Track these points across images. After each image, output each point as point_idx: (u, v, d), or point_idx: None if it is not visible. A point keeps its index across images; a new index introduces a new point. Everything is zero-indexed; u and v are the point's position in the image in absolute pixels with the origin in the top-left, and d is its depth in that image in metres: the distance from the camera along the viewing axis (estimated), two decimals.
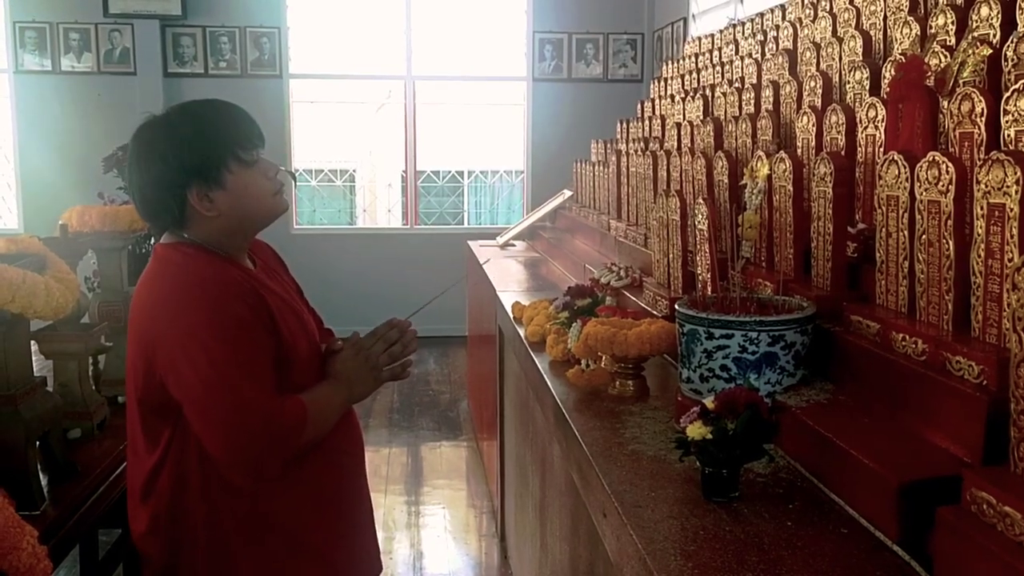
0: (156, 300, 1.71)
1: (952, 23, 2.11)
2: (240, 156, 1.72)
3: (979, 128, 1.65)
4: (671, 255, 2.60)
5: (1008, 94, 1.59)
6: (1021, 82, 1.59)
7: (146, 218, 1.79)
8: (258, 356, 1.67)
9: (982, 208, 1.45)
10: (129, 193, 1.79)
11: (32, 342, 2.18)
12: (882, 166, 1.75)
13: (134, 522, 1.80)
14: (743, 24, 4.22)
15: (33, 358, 2.14)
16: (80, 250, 2.69)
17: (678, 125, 3.59)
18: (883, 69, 2.25)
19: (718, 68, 3.91)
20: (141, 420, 1.74)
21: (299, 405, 1.69)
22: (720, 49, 4.25)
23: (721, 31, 4.54)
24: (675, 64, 4.91)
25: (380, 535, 2.09)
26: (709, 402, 1.54)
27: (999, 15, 1.93)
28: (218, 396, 1.62)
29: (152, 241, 3.38)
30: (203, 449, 1.68)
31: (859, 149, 2.10)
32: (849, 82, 2.43)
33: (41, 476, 2.06)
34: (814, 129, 2.32)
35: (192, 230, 1.74)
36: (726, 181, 2.57)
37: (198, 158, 1.68)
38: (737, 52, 3.94)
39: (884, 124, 2.01)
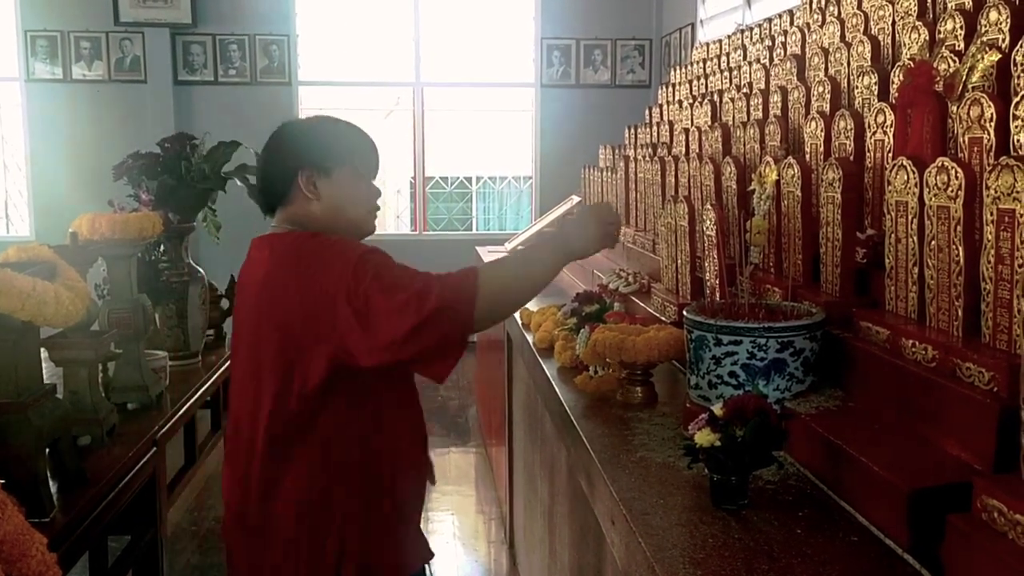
0: (292, 276, 1.75)
1: (961, 28, 2.10)
2: (356, 166, 1.87)
3: (988, 133, 1.64)
4: (679, 261, 2.59)
5: (1017, 99, 1.59)
6: None
7: (259, 192, 1.91)
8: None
9: (992, 213, 1.45)
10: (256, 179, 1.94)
11: (42, 349, 2.18)
12: (891, 171, 1.74)
13: (244, 518, 1.84)
14: (751, 29, 4.22)
15: (43, 365, 2.15)
16: (90, 258, 2.70)
17: (686, 130, 3.58)
18: (892, 74, 2.25)
19: (726, 73, 3.90)
20: (268, 432, 1.77)
21: (467, 269, 1.75)
22: (728, 54, 4.25)
23: (729, 36, 4.54)
24: (683, 69, 4.91)
25: None
26: (718, 409, 1.53)
27: (1008, 20, 1.92)
28: (381, 290, 1.67)
29: (161, 248, 3.40)
30: (327, 447, 1.77)
31: (868, 154, 2.10)
32: (858, 87, 2.42)
33: (51, 483, 2.06)
34: (822, 134, 2.31)
35: (291, 207, 1.85)
36: (734, 187, 2.57)
37: (319, 149, 1.85)
38: (745, 57, 3.93)
39: (893, 129, 2.00)
